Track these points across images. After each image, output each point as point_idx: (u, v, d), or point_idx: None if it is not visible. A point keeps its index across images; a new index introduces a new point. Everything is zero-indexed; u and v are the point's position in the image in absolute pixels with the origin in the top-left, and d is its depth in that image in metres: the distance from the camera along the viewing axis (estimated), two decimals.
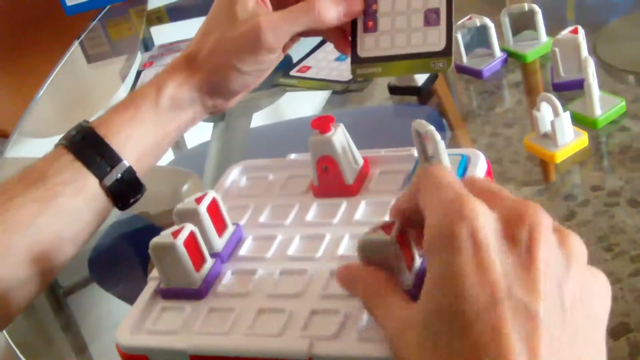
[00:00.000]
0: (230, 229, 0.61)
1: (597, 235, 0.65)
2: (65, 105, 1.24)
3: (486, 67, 0.88)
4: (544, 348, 0.37)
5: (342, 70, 0.96)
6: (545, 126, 0.74)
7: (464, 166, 0.58)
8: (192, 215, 0.58)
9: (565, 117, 0.72)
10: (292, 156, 0.68)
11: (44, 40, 1.75)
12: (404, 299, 0.45)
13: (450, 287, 0.39)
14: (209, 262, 0.58)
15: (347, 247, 0.57)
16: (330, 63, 0.98)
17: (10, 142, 1.08)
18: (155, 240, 0.55)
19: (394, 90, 0.93)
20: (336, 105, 1.00)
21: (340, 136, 0.60)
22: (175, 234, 0.55)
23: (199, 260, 0.57)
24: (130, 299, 0.59)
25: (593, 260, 0.42)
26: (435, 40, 0.67)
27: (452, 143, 0.83)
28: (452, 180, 0.44)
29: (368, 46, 0.70)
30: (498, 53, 0.89)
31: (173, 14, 1.38)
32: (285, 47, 0.72)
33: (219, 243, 0.59)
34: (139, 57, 1.20)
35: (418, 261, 0.49)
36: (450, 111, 0.91)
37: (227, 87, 0.72)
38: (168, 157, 0.98)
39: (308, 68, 0.99)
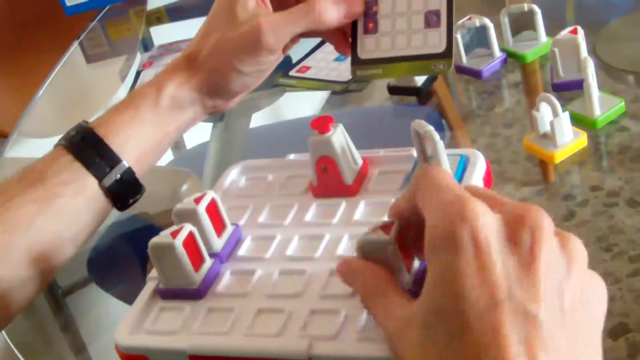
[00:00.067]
0: (230, 229, 0.61)
1: (596, 236, 0.65)
2: (65, 106, 1.24)
3: (486, 67, 0.88)
4: (543, 350, 0.37)
5: (342, 71, 0.96)
6: (544, 126, 0.74)
7: (463, 166, 0.59)
8: (191, 216, 0.58)
9: (565, 117, 0.72)
10: (292, 156, 0.68)
11: (44, 41, 1.75)
12: (403, 297, 0.45)
13: (451, 287, 0.39)
14: (208, 262, 0.58)
15: (346, 247, 0.57)
16: (329, 63, 0.98)
17: (10, 142, 1.08)
18: (154, 240, 0.55)
19: (393, 90, 0.93)
20: (335, 106, 1.00)
21: (339, 136, 0.60)
22: (175, 234, 0.55)
23: (198, 261, 0.57)
24: (129, 299, 0.59)
25: (592, 261, 0.42)
26: (435, 42, 0.67)
27: (451, 143, 0.84)
28: (451, 182, 0.44)
29: (368, 48, 0.70)
30: (497, 53, 0.89)
31: (172, 14, 1.38)
32: (286, 48, 0.72)
33: (218, 243, 0.59)
34: (139, 58, 1.20)
35: (417, 262, 0.49)
36: (450, 111, 0.91)
37: (227, 88, 0.72)
38: (167, 157, 0.98)
39: (307, 68, 0.99)
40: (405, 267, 0.47)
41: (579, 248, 0.41)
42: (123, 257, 0.85)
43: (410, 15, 0.69)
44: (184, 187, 0.90)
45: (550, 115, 0.72)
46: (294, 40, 0.72)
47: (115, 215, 0.75)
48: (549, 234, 0.40)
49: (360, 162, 0.63)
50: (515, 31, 0.91)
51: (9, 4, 1.86)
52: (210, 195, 0.59)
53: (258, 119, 1.01)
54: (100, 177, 0.66)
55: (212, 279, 0.57)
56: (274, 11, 0.71)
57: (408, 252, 0.48)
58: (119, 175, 0.67)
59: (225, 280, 0.58)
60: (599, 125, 0.75)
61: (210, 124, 0.98)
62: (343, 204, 0.61)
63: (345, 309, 0.51)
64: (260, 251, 0.59)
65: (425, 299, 0.41)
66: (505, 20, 0.89)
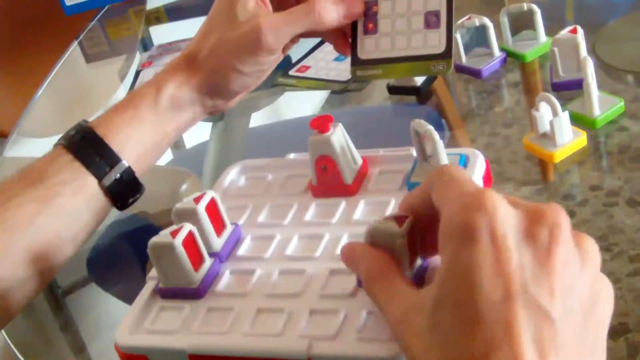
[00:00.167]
0: (229, 228, 0.61)
1: (596, 235, 0.65)
2: (64, 105, 1.24)
3: (485, 66, 0.88)
4: (554, 348, 0.37)
5: (341, 70, 0.96)
6: (544, 126, 0.74)
7: (462, 166, 0.59)
8: (190, 215, 0.58)
9: (564, 116, 0.72)
10: (291, 156, 0.68)
11: (43, 40, 1.75)
12: (407, 282, 0.45)
13: (465, 277, 0.39)
14: (208, 261, 0.58)
15: None
16: (329, 63, 0.98)
17: (9, 141, 1.08)
18: (154, 239, 0.55)
19: (393, 90, 0.93)
20: (335, 105, 1.00)
21: (339, 136, 0.60)
22: (174, 234, 0.55)
23: (197, 260, 0.57)
24: (129, 298, 0.59)
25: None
26: (435, 42, 0.67)
27: (451, 143, 0.84)
28: (468, 176, 0.44)
29: (368, 48, 0.70)
30: (497, 53, 0.89)
31: (172, 14, 1.38)
32: (285, 48, 0.72)
33: (218, 243, 0.59)
34: (138, 57, 1.20)
35: (419, 261, 0.49)
36: (449, 111, 0.91)
37: (227, 88, 0.72)
38: (167, 156, 0.98)
39: (307, 68, 0.99)
40: (408, 264, 0.47)
41: (593, 249, 0.41)
42: (123, 256, 0.85)
43: (410, 15, 0.69)
44: (184, 186, 0.90)
45: (549, 114, 0.72)
46: (294, 40, 0.72)
47: (114, 214, 0.75)
48: (567, 232, 0.40)
49: (359, 161, 0.63)
50: (515, 31, 0.91)
51: (8, 4, 1.86)
52: (209, 194, 0.59)
53: (258, 119, 1.01)
54: (100, 177, 0.66)
55: (211, 278, 0.57)
56: (274, 11, 0.71)
57: (413, 250, 0.47)
58: (118, 175, 0.67)
59: (225, 279, 0.58)
60: (598, 125, 0.75)
61: (210, 124, 0.98)
62: (343, 204, 0.61)
63: (345, 309, 0.51)
64: (260, 251, 0.59)
65: (437, 287, 0.40)
66: (504, 20, 0.89)
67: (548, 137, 0.73)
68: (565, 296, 0.38)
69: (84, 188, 0.66)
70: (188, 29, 1.12)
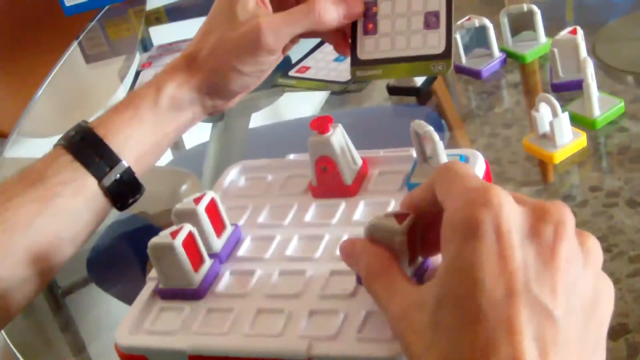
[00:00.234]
0: (229, 229, 0.61)
1: (596, 236, 0.64)
2: (64, 106, 1.24)
3: (485, 67, 0.88)
4: (555, 347, 0.37)
5: (341, 71, 0.96)
6: (544, 127, 0.74)
7: None
8: (190, 216, 0.58)
9: (564, 117, 0.72)
10: (291, 156, 0.68)
11: (43, 41, 1.75)
12: (407, 279, 0.44)
13: (467, 274, 0.38)
14: (208, 262, 0.58)
15: None
16: (329, 64, 0.98)
17: (9, 142, 1.08)
18: (154, 240, 0.55)
19: (392, 90, 0.93)
20: (335, 106, 1.00)
21: (339, 137, 0.60)
22: (174, 234, 0.55)
23: (197, 261, 0.57)
24: (128, 299, 0.59)
25: None
26: (435, 42, 0.67)
27: (450, 143, 0.84)
28: (473, 172, 0.44)
29: (368, 48, 0.70)
30: (497, 53, 0.89)
31: (172, 14, 1.38)
32: (285, 49, 0.72)
33: (218, 243, 0.59)
34: (138, 58, 1.20)
35: (419, 260, 0.48)
36: (449, 112, 0.91)
37: (227, 88, 0.72)
38: (167, 157, 0.98)
39: (307, 68, 0.99)
40: (407, 262, 0.47)
41: (596, 247, 0.41)
42: (123, 257, 0.85)
43: (409, 16, 0.69)
44: (184, 187, 0.90)
45: (549, 115, 0.72)
46: (294, 40, 0.72)
47: (114, 215, 0.75)
48: (571, 230, 0.40)
49: (359, 162, 0.63)
50: (515, 31, 0.91)
51: (8, 4, 1.86)
52: (209, 195, 0.59)
53: (257, 119, 1.01)
54: (99, 177, 0.66)
55: (211, 279, 0.57)
56: (273, 11, 0.71)
57: (413, 248, 0.47)
58: (118, 175, 0.67)
59: (225, 280, 0.58)
60: (598, 126, 0.75)
61: (210, 124, 0.98)
62: (342, 204, 0.61)
63: (345, 309, 0.51)
64: (260, 251, 0.59)
65: (438, 283, 0.40)
66: (504, 21, 0.89)
67: (548, 138, 0.73)
68: (568, 295, 0.38)
69: (83, 188, 0.66)
70: (188, 29, 1.12)
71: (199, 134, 0.95)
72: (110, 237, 0.85)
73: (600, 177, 0.72)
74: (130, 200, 0.69)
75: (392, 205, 0.58)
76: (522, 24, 0.91)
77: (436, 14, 0.67)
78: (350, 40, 0.71)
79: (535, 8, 0.87)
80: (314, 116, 0.62)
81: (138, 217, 0.84)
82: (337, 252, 0.56)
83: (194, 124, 0.74)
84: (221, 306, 0.55)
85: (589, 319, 0.39)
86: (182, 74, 0.72)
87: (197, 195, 0.59)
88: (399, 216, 0.46)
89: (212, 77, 0.71)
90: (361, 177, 0.62)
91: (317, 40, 1.01)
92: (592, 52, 0.86)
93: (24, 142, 1.09)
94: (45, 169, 0.66)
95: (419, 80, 0.90)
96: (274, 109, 1.02)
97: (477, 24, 0.88)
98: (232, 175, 0.69)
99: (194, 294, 0.56)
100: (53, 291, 0.83)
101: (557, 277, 0.38)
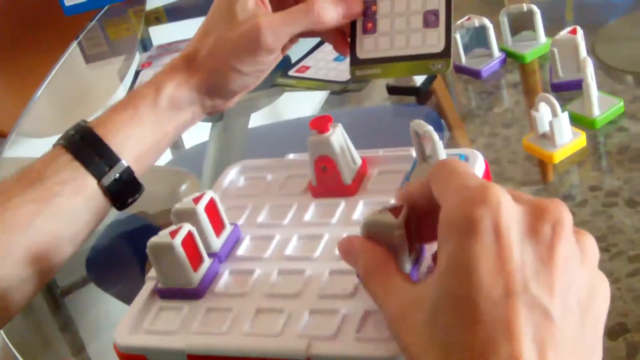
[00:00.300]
0: (228, 228, 0.61)
1: (595, 236, 0.63)
2: (64, 106, 1.24)
3: (485, 67, 0.88)
4: (553, 346, 0.37)
5: (341, 71, 0.96)
6: (543, 126, 0.74)
7: None
8: (190, 215, 0.58)
9: (564, 117, 0.72)
10: (291, 156, 0.68)
11: (43, 40, 1.75)
12: (406, 279, 0.44)
13: (465, 272, 0.38)
14: (207, 262, 0.58)
15: None
16: (328, 63, 0.98)
17: (9, 142, 1.07)
18: (153, 240, 0.55)
19: (392, 90, 0.93)
20: (335, 106, 1.00)
21: (338, 136, 0.60)
22: (173, 234, 0.55)
23: (196, 260, 0.57)
24: (128, 298, 0.59)
25: None
26: (434, 41, 0.67)
27: (450, 143, 0.84)
28: (471, 170, 0.43)
29: (367, 48, 0.70)
30: (497, 53, 0.89)
31: (171, 14, 1.38)
32: (285, 48, 0.72)
33: (217, 243, 0.59)
34: (138, 58, 1.20)
35: (417, 249, 0.48)
36: (449, 111, 0.91)
37: (226, 88, 0.72)
38: (166, 157, 0.98)
39: (307, 68, 0.99)
40: (407, 253, 0.47)
41: (592, 246, 0.41)
42: (122, 256, 0.85)
43: (409, 15, 0.69)
44: (183, 186, 0.90)
45: (549, 115, 0.72)
46: (293, 40, 0.72)
47: (114, 214, 0.74)
48: (569, 229, 0.40)
49: (359, 161, 0.63)
50: (515, 31, 0.91)
51: (8, 4, 1.86)
52: (209, 195, 0.59)
53: (257, 119, 1.01)
54: (99, 177, 0.66)
55: (211, 278, 0.57)
56: (273, 11, 0.71)
57: (410, 238, 0.47)
58: (117, 175, 0.67)
59: (224, 280, 0.58)
60: (598, 125, 0.75)
61: (209, 124, 0.98)
62: (342, 204, 0.61)
63: (344, 309, 0.51)
64: (259, 251, 0.59)
65: (436, 283, 0.40)
66: (504, 21, 0.89)
67: (547, 138, 0.73)
68: (565, 294, 0.38)
69: (83, 188, 0.66)
70: (188, 29, 1.12)
71: (199, 133, 0.95)
72: (110, 236, 0.84)
73: (600, 176, 0.72)
74: (130, 200, 0.69)
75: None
76: (521, 24, 0.91)
77: (435, 13, 0.67)
78: (349, 40, 0.71)
79: (535, 8, 0.87)
80: (313, 116, 0.62)
81: (137, 216, 0.84)
82: (337, 252, 0.56)
83: (194, 124, 0.74)
84: (220, 306, 0.55)
85: (586, 317, 0.39)
86: (181, 73, 0.72)
87: (197, 194, 0.59)
88: (393, 210, 0.46)
89: (211, 77, 0.71)
90: (361, 176, 0.62)
91: (316, 40, 1.01)
92: (591, 52, 0.86)
93: (23, 142, 1.09)
94: (45, 169, 0.66)
95: (419, 80, 0.90)
96: (274, 109, 1.02)
97: (476, 24, 0.88)
98: (232, 174, 0.69)
99: (193, 294, 0.56)
100: (52, 291, 0.83)
101: (555, 276, 0.38)
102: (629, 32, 0.91)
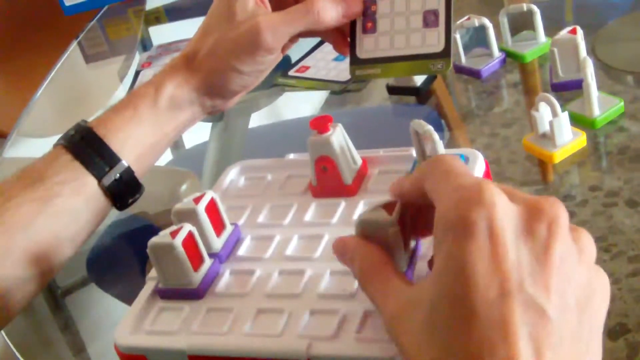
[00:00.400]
0: (229, 229, 0.61)
1: (596, 236, 0.64)
2: (64, 106, 1.24)
3: (485, 67, 0.88)
4: (550, 346, 0.37)
5: (341, 71, 0.96)
6: (543, 126, 0.74)
7: None
8: (190, 215, 0.58)
9: (564, 117, 0.72)
10: (291, 156, 0.68)
11: (43, 40, 1.75)
12: (402, 279, 0.44)
13: (461, 273, 0.38)
14: (208, 262, 0.58)
15: None
16: (328, 63, 0.98)
17: (9, 142, 1.08)
18: (154, 240, 0.55)
19: (392, 90, 0.93)
20: (335, 106, 1.00)
21: (338, 136, 0.60)
22: (174, 234, 0.55)
23: (197, 260, 0.57)
24: (128, 299, 0.59)
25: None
26: (434, 41, 0.67)
27: (450, 143, 0.84)
28: (465, 168, 0.43)
29: (367, 47, 0.70)
30: (497, 53, 0.89)
31: (171, 14, 1.38)
32: (284, 48, 0.72)
33: (218, 243, 0.59)
34: (138, 58, 1.20)
35: (412, 244, 0.48)
36: (449, 111, 0.91)
37: (226, 88, 0.72)
38: (166, 157, 0.98)
39: (307, 68, 0.99)
40: (403, 250, 0.47)
41: (589, 244, 0.41)
42: (122, 257, 0.85)
43: (408, 14, 0.69)
44: (183, 186, 0.90)
45: (549, 115, 0.72)
46: (293, 39, 0.72)
47: (114, 215, 0.75)
48: (565, 228, 0.40)
49: (359, 162, 0.63)
50: (514, 31, 0.91)
51: (7, 4, 1.86)
52: (209, 195, 0.59)
53: (257, 119, 1.01)
54: (99, 177, 0.66)
55: (211, 279, 0.57)
56: (272, 11, 0.71)
57: (405, 233, 0.47)
58: (118, 175, 0.67)
59: (225, 280, 0.58)
60: (598, 126, 0.75)
61: (210, 124, 0.98)
62: (342, 204, 0.61)
63: (345, 309, 0.51)
64: (260, 251, 0.59)
65: (433, 284, 0.40)
66: (504, 20, 0.89)
67: (548, 138, 0.73)
68: (562, 292, 0.38)
69: (83, 188, 0.66)
70: (187, 29, 1.12)
71: (199, 133, 0.96)
72: (110, 237, 0.84)
73: (600, 176, 0.72)
74: (130, 200, 0.69)
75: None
76: (521, 24, 0.91)
77: (435, 13, 0.67)
78: (349, 39, 0.71)
79: (534, 8, 0.87)
80: (313, 116, 0.62)
81: (138, 217, 0.84)
82: None
83: (194, 124, 0.74)
84: (221, 306, 0.55)
85: (584, 316, 0.39)
86: (181, 73, 0.72)
87: (197, 195, 0.59)
88: (386, 206, 0.46)
89: (211, 77, 0.71)
90: (361, 176, 0.62)
91: (316, 40, 1.01)
92: (591, 52, 0.86)
93: (23, 142, 1.09)
94: (45, 169, 0.66)
95: (419, 80, 0.90)
96: (274, 109, 1.02)
97: (476, 24, 0.88)
98: (232, 174, 0.69)
99: (193, 294, 0.56)
100: (53, 291, 0.83)
101: (551, 275, 0.38)
102: (629, 32, 0.91)
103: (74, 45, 1.33)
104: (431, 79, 0.91)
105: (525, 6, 0.87)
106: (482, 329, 0.37)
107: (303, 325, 0.51)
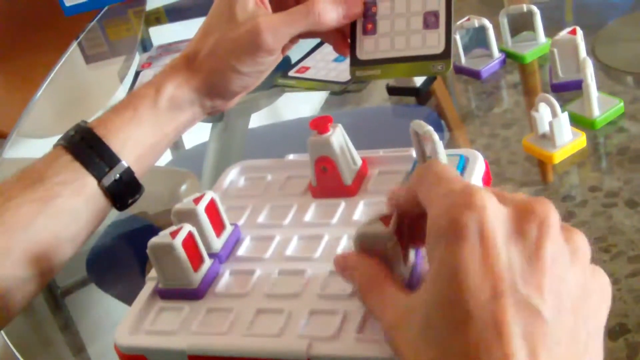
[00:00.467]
0: (229, 229, 0.61)
1: (595, 236, 0.65)
2: (64, 106, 1.24)
3: (485, 67, 0.88)
4: (544, 345, 0.37)
5: (341, 71, 0.96)
6: (543, 127, 0.74)
7: (462, 166, 0.59)
8: (190, 216, 0.58)
9: (564, 117, 0.72)
10: (291, 157, 0.68)
11: (43, 41, 1.75)
12: (400, 289, 0.45)
13: (454, 277, 0.39)
14: (207, 262, 0.58)
15: (345, 248, 0.57)
16: (328, 64, 0.98)
17: (9, 142, 1.08)
18: (154, 240, 0.55)
19: (392, 91, 0.93)
20: (335, 106, 1.00)
21: (338, 137, 0.60)
22: (174, 234, 0.55)
23: (197, 261, 0.57)
24: (128, 299, 0.59)
25: (591, 261, 0.42)
26: (434, 42, 0.67)
27: (450, 144, 0.84)
28: (455, 173, 0.44)
29: (367, 49, 0.70)
30: (496, 54, 0.89)
31: (171, 14, 1.38)
32: (285, 49, 0.72)
33: (217, 243, 0.59)
34: (138, 58, 1.20)
35: (412, 254, 0.49)
36: (449, 112, 0.91)
37: (226, 88, 0.72)
38: (166, 157, 0.98)
39: (307, 69, 0.99)
40: (402, 260, 0.47)
41: (583, 243, 0.41)
42: (122, 257, 0.85)
43: (409, 16, 0.69)
44: (183, 187, 0.90)
45: (549, 115, 0.73)
46: (293, 40, 0.72)
47: (114, 215, 0.75)
48: (556, 228, 0.40)
49: (359, 162, 0.63)
50: (514, 32, 0.91)
51: (8, 4, 1.86)
52: (209, 195, 0.59)
53: (257, 119, 1.01)
54: (99, 177, 0.66)
55: (211, 279, 0.57)
56: (273, 12, 0.71)
57: (404, 245, 0.47)
58: (118, 175, 0.67)
59: (225, 280, 0.58)
60: (598, 126, 0.75)
61: (210, 124, 0.98)
62: (342, 204, 0.61)
63: (345, 309, 0.51)
64: (260, 251, 0.59)
65: (427, 290, 0.40)
66: (504, 21, 0.89)
67: (547, 138, 0.73)
68: (556, 292, 0.38)
69: (83, 188, 0.66)
70: (188, 29, 1.12)
71: (199, 134, 0.96)
72: (110, 237, 0.84)
73: (600, 177, 0.72)
74: (130, 201, 0.69)
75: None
76: (521, 25, 0.91)
77: (435, 14, 0.67)
78: (349, 41, 0.71)
79: (534, 8, 0.87)
80: (313, 116, 0.62)
81: (137, 217, 0.84)
82: (337, 252, 0.56)
83: (194, 124, 0.74)
84: (221, 306, 0.55)
85: (580, 316, 0.39)
86: (181, 74, 0.72)
87: (197, 195, 0.59)
88: (383, 219, 0.47)
89: (211, 78, 0.71)
90: (361, 177, 0.62)
91: (316, 41, 1.01)
92: (591, 52, 0.86)
93: (23, 142, 1.09)
94: (45, 169, 0.66)
95: (419, 81, 0.90)
96: (274, 109, 1.02)
97: (476, 25, 0.88)
98: (232, 175, 0.69)
99: (193, 294, 0.56)
100: (52, 291, 0.83)
101: (543, 275, 0.38)
102: (629, 32, 0.91)
103: (74, 45, 1.33)
104: (431, 80, 0.91)
105: (525, 7, 0.87)
106: (477, 330, 0.37)
107: (303, 325, 0.51)
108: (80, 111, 1.17)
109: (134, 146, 0.69)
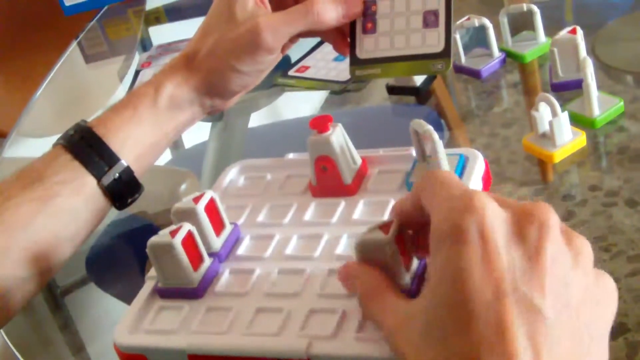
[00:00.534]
0: (228, 228, 0.61)
1: (595, 235, 0.65)
2: (64, 105, 1.24)
3: (485, 67, 0.88)
4: (547, 345, 0.37)
5: (341, 70, 0.96)
6: (543, 126, 0.74)
7: (462, 166, 0.59)
8: (190, 215, 0.58)
9: (564, 117, 0.72)
10: (291, 156, 0.68)
11: (43, 40, 1.75)
12: (401, 296, 0.45)
13: (456, 280, 0.39)
14: (207, 261, 0.58)
15: (345, 247, 0.57)
16: (328, 63, 0.98)
17: (8, 142, 1.08)
18: (153, 239, 0.55)
19: (392, 90, 0.93)
20: (334, 105, 1.00)
21: (338, 136, 0.60)
22: (173, 234, 0.55)
23: (196, 260, 0.57)
24: (128, 298, 0.59)
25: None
26: (434, 41, 0.67)
27: (450, 143, 0.84)
28: (457, 179, 0.44)
29: (367, 47, 0.70)
30: (496, 53, 0.89)
31: (171, 14, 1.38)
32: (284, 48, 0.72)
33: (217, 242, 0.59)
34: (137, 58, 1.20)
35: (415, 262, 0.49)
36: (449, 111, 0.91)
37: (226, 87, 0.72)
38: (166, 156, 0.98)
39: (307, 68, 0.99)
40: (403, 267, 0.47)
41: (584, 246, 0.41)
42: (122, 256, 0.85)
43: (408, 15, 0.69)
44: (183, 186, 0.90)
45: (549, 115, 0.72)
46: (293, 40, 0.72)
47: (113, 214, 0.74)
48: (556, 230, 0.40)
49: (359, 161, 0.63)
50: (514, 31, 0.91)
51: (7, 4, 1.86)
52: (209, 194, 0.59)
53: (257, 119, 1.01)
54: (99, 176, 0.66)
55: (211, 278, 0.57)
56: (272, 11, 0.71)
57: (406, 252, 0.47)
58: (117, 174, 0.67)
59: (224, 279, 0.58)
60: (598, 125, 0.75)
61: (209, 124, 0.98)
62: (342, 204, 0.61)
63: (344, 308, 0.51)
64: (259, 250, 0.59)
65: (429, 293, 0.41)
66: (504, 21, 0.89)
67: (547, 138, 0.73)
68: (558, 293, 0.39)
69: (83, 188, 0.66)
70: (187, 29, 1.12)
71: (198, 133, 0.96)
72: (110, 236, 0.84)
73: (600, 176, 0.72)
74: (130, 200, 0.69)
75: (392, 204, 0.58)
76: (521, 24, 0.91)
77: (435, 13, 0.67)
78: (349, 40, 0.71)
79: (534, 8, 0.87)
80: (313, 116, 0.62)
81: (137, 216, 0.84)
82: (337, 252, 0.56)
83: (193, 124, 0.74)
84: (220, 305, 0.55)
85: (582, 318, 0.39)
86: (181, 73, 0.71)
87: (197, 194, 0.59)
88: (383, 227, 0.47)
89: (211, 77, 0.71)
90: (361, 176, 0.62)
91: (316, 40, 1.01)
92: (591, 52, 0.86)
93: (23, 141, 1.09)
94: (45, 168, 0.66)
95: (419, 80, 0.90)
96: (274, 109, 1.02)
97: (476, 24, 0.88)
98: (232, 174, 0.69)
99: (193, 293, 0.56)
100: (52, 291, 0.83)
101: (544, 276, 0.39)
102: (629, 32, 0.91)
103: (73, 45, 1.33)
104: (431, 79, 0.91)
105: (525, 6, 0.87)
106: (480, 329, 0.37)
107: (303, 325, 0.51)
108: (80, 110, 1.17)
109: (134, 145, 0.69)
